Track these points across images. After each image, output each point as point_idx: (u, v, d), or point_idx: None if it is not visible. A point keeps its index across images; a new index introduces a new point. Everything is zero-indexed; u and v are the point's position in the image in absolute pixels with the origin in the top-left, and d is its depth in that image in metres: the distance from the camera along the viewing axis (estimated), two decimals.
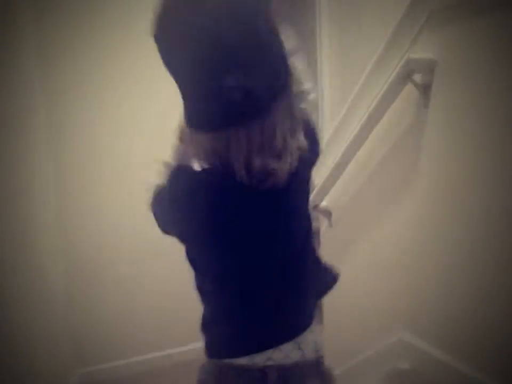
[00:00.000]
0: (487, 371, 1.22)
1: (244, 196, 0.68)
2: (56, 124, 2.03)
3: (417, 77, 1.40)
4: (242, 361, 0.76)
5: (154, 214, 0.77)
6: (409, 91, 1.44)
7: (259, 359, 0.76)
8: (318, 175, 1.76)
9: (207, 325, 0.81)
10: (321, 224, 2.01)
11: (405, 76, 1.39)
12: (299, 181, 0.75)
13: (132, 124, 2.18)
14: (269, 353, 0.76)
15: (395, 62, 1.41)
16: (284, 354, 0.77)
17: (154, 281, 2.18)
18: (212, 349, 0.81)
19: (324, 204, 1.90)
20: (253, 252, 0.72)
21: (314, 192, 1.84)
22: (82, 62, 2.07)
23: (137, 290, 2.20)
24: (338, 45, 2.50)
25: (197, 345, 1.83)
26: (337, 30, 2.53)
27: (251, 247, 0.71)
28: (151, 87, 2.13)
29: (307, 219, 0.83)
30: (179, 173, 0.71)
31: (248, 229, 0.70)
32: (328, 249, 1.77)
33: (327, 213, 1.88)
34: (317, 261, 0.87)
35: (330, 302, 2.02)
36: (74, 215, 2.10)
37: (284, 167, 0.65)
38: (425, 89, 1.40)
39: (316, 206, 1.89)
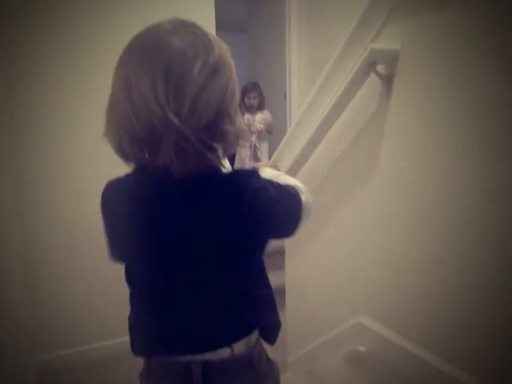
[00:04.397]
0: (440, 354, 1.28)
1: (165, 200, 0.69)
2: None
3: (381, 68, 1.44)
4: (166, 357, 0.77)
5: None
6: (373, 81, 1.47)
7: (181, 356, 0.75)
8: (284, 162, 1.78)
9: (132, 325, 0.82)
10: None
11: (369, 67, 1.41)
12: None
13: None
14: None
15: (359, 53, 1.44)
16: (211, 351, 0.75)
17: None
18: (134, 346, 0.81)
19: None
20: (166, 260, 0.71)
21: None
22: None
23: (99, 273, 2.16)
24: (307, 35, 2.53)
25: None
26: (306, 20, 2.56)
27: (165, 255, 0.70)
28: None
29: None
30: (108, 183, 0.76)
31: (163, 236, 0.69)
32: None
33: None
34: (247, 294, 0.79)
35: (293, 287, 2.06)
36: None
37: None
38: (387, 80, 1.44)
39: None
